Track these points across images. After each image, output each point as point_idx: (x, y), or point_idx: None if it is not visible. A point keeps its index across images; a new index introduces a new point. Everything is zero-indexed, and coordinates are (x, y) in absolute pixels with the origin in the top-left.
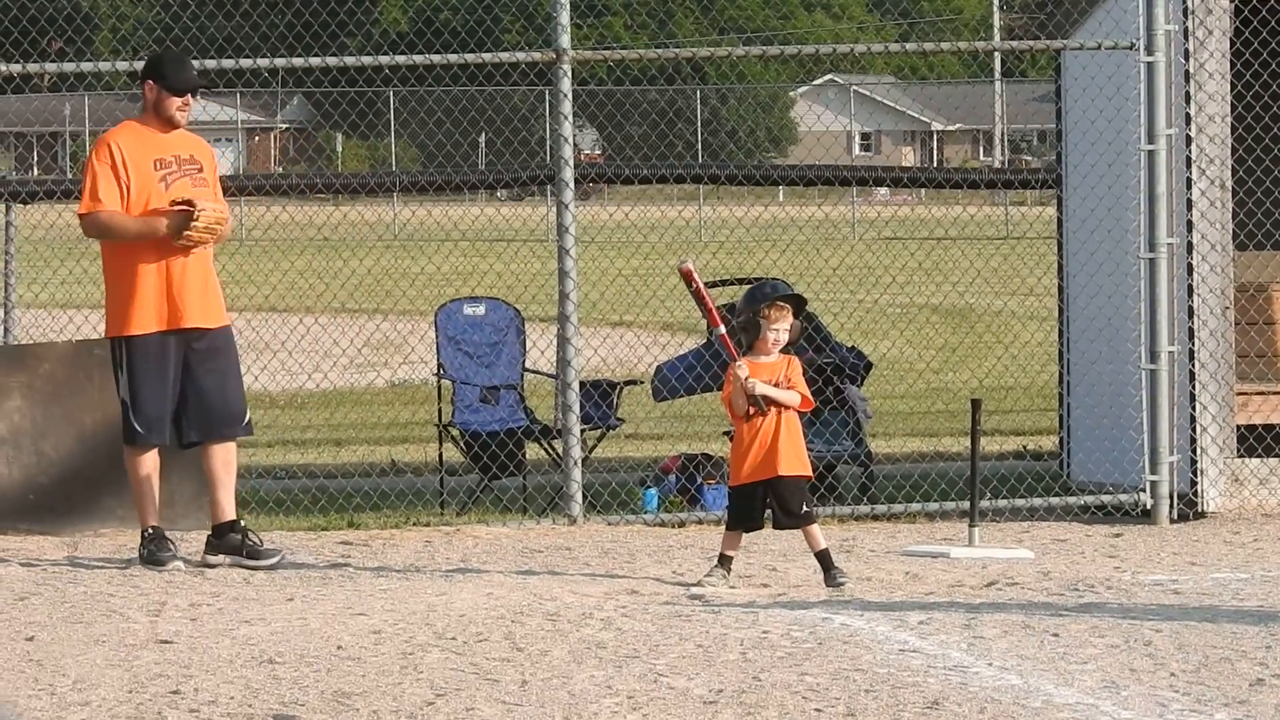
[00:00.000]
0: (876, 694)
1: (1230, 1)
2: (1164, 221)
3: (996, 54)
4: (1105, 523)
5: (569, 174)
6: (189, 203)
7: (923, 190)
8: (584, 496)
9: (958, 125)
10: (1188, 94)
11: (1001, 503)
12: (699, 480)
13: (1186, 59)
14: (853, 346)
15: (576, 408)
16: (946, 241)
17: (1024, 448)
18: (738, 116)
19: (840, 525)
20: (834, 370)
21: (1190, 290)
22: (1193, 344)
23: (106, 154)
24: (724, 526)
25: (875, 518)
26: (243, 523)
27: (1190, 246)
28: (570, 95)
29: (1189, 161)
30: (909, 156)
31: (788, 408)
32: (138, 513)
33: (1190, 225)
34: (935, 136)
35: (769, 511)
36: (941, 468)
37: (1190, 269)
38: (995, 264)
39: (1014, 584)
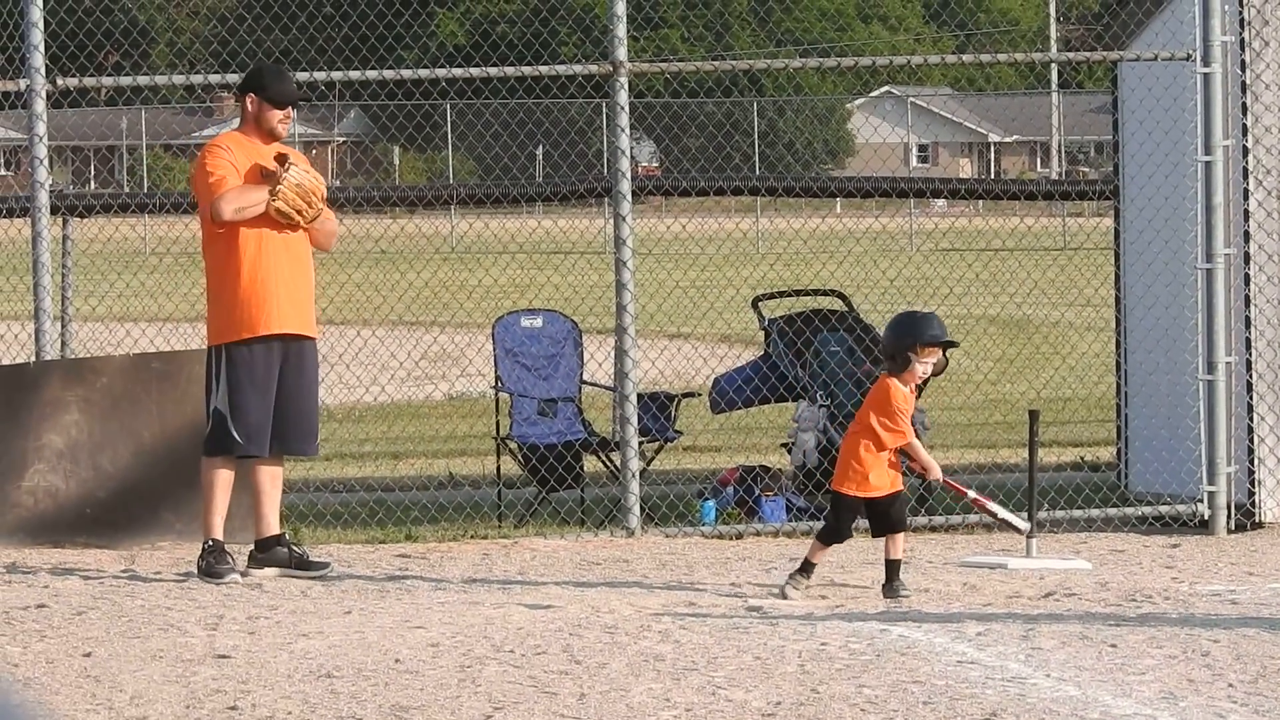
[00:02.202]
0: (934, 706)
1: None
2: (1221, 232)
3: (1053, 65)
4: (1163, 533)
5: (626, 186)
6: (281, 158)
7: (980, 202)
8: (642, 509)
9: (1015, 137)
10: (1244, 105)
11: (1059, 514)
12: (757, 492)
13: (1243, 70)
14: None
15: (634, 420)
16: (1004, 253)
17: (1082, 459)
18: (795, 128)
19: None
20: None
21: (1247, 300)
22: (1250, 354)
23: (220, 151)
24: (816, 538)
25: (933, 529)
26: (286, 534)
27: (1247, 257)
28: (627, 108)
29: (1246, 172)
30: (966, 168)
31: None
32: (204, 523)
33: (1247, 236)
34: (992, 148)
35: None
36: (999, 479)
37: (1247, 279)
38: (1053, 275)
39: (1072, 595)
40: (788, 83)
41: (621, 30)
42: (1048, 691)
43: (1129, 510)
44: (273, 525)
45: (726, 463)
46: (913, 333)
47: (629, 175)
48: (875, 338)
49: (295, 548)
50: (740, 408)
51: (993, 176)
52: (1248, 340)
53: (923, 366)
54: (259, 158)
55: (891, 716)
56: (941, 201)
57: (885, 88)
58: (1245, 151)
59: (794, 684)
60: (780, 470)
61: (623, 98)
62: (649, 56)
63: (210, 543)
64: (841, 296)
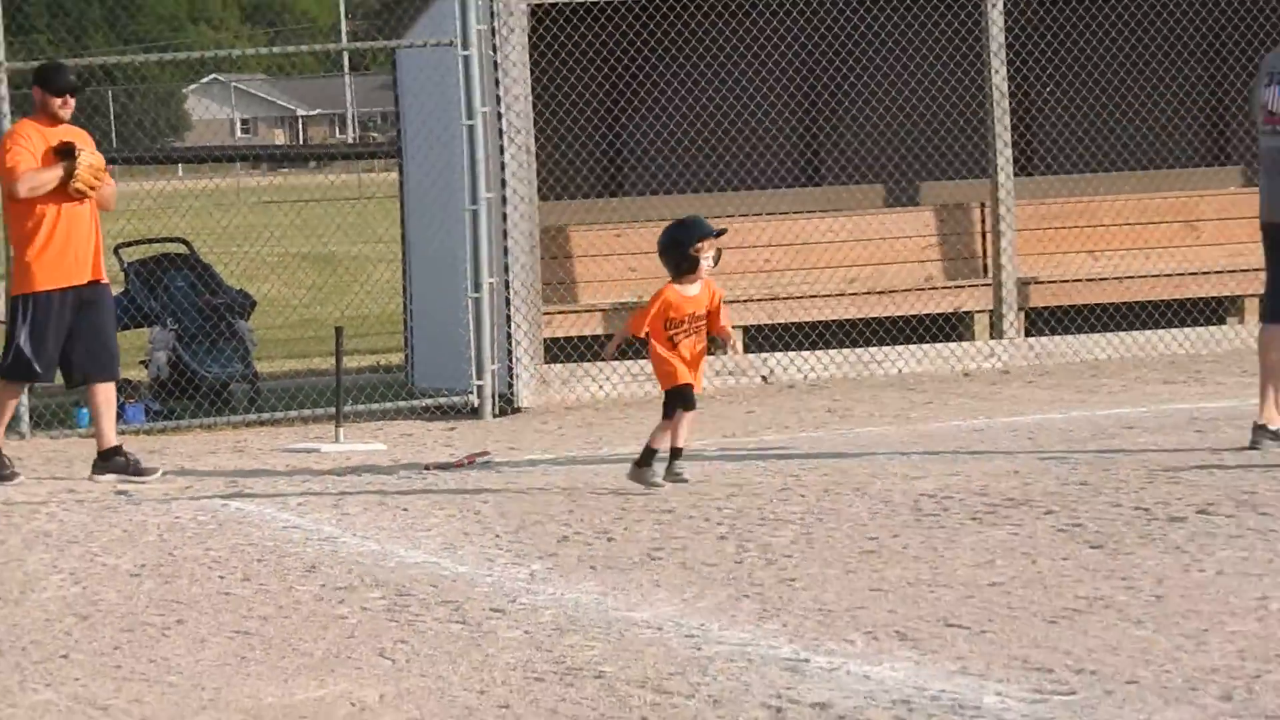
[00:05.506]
0: (266, 562)
1: (526, 5)
2: (483, 180)
3: (345, 53)
4: (443, 420)
5: None
6: (69, 145)
7: (292, 163)
8: (31, 416)
9: (318, 110)
10: (497, 80)
11: (360, 407)
12: (121, 400)
13: (495, 52)
14: (241, 289)
15: None
16: (313, 203)
17: (378, 363)
18: (143, 110)
19: (233, 431)
20: (226, 308)
21: (505, 234)
22: (508, 276)
23: (18, 138)
24: (664, 418)
25: (261, 423)
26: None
27: (505, 199)
28: (7, 99)
29: (501, 133)
30: (280, 137)
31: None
32: None
33: (504, 183)
34: (300, 120)
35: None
36: (314, 382)
37: (505, 217)
38: (352, 219)
39: (371, 470)
40: (135, 74)
41: None
42: (355, 547)
43: (415, 403)
44: (110, 439)
45: None
46: (693, 234)
47: None
48: (214, 274)
49: (129, 456)
50: None
51: (301, 143)
52: (506, 265)
53: (705, 261)
54: (49, 139)
55: (233, 571)
56: (263, 164)
57: (213, 75)
58: (499, 116)
59: (155, 550)
60: (140, 382)
61: (2, 90)
62: (23, 57)
63: None
64: (185, 243)
